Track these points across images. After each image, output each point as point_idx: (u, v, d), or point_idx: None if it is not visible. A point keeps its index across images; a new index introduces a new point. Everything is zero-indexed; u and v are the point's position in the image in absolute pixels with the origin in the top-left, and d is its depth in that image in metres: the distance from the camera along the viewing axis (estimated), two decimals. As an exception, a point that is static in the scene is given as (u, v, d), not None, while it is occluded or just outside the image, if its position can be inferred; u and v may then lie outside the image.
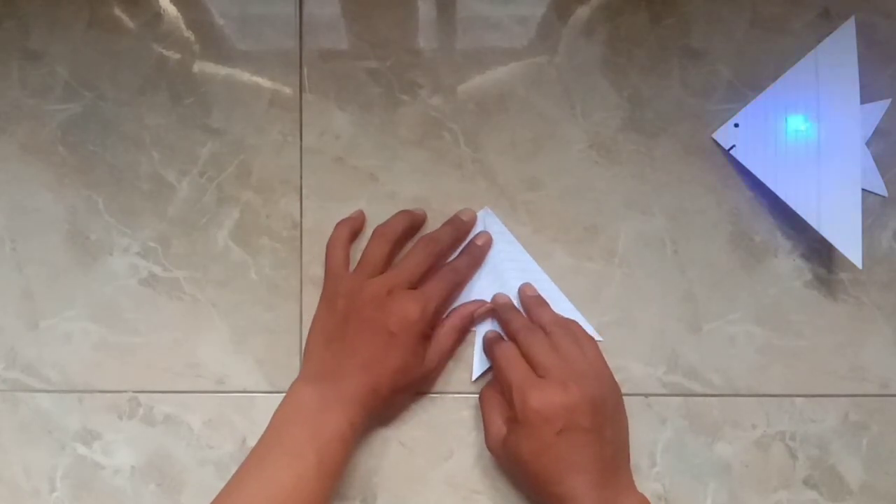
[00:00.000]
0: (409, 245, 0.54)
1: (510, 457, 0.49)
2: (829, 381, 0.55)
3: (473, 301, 0.55)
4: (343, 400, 0.49)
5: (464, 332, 0.54)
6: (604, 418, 0.48)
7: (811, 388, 0.55)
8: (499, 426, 0.50)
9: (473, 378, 0.55)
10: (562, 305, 0.55)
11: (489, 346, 0.53)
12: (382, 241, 0.53)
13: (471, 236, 0.56)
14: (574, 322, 0.53)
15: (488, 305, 0.55)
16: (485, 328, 0.55)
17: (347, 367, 0.50)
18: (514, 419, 0.49)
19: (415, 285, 0.52)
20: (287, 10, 0.57)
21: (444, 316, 0.54)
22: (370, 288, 0.51)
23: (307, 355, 0.53)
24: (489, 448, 0.51)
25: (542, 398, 0.48)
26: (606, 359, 0.52)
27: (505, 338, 0.53)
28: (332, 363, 0.51)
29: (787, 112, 0.55)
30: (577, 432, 0.47)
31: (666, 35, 0.57)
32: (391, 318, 0.50)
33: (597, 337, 0.55)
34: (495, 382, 0.53)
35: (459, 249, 0.55)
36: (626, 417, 0.51)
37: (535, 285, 0.55)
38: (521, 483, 0.52)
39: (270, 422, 0.49)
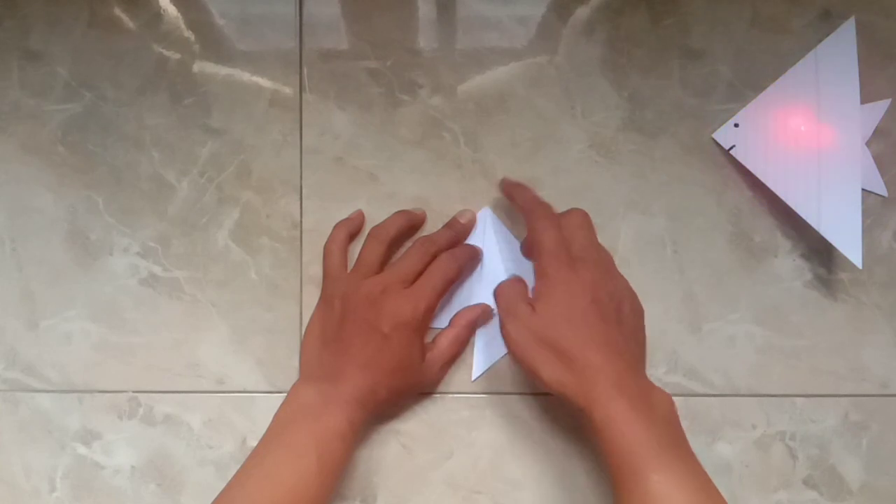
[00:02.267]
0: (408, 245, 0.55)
1: (537, 333, 0.48)
2: (829, 381, 0.55)
3: (473, 306, 0.55)
4: (342, 400, 0.49)
5: (465, 341, 0.54)
6: (619, 304, 0.49)
7: (811, 388, 0.55)
8: (524, 307, 0.49)
9: (473, 378, 0.55)
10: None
11: (535, 220, 0.51)
12: (376, 242, 0.53)
13: (471, 237, 0.56)
14: None
15: (488, 309, 0.55)
16: (485, 331, 0.55)
17: (346, 368, 0.50)
18: (544, 291, 0.49)
19: (410, 285, 0.52)
20: (287, 10, 0.57)
21: (448, 325, 0.54)
22: (365, 288, 0.51)
23: (305, 356, 0.53)
24: (509, 336, 0.49)
25: (576, 270, 0.49)
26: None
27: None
28: (331, 364, 0.51)
29: (787, 112, 0.55)
30: (601, 306, 0.48)
31: (666, 35, 0.57)
32: (383, 319, 0.50)
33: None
34: (515, 281, 0.52)
35: None
36: (643, 327, 0.52)
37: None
38: (544, 369, 0.48)
39: (272, 422, 0.49)
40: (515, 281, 0.52)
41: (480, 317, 0.54)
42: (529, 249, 0.53)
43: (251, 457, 0.48)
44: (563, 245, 0.50)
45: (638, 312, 0.51)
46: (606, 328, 0.48)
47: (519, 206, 0.53)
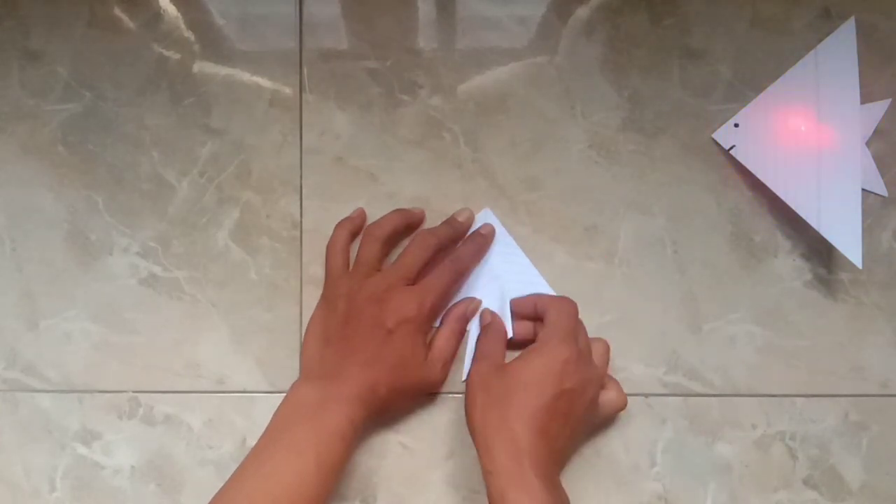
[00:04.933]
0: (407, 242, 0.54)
1: (494, 386, 0.49)
2: (829, 381, 0.55)
3: (463, 300, 0.55)
4: (343, 398, 0.49)
5: (461, 334, 0.54)
6: (582, 394, 0.49)
7: (811, 388, 0.55)
8: (498, 355, 0.52)
9: (464, 378, 0.54)
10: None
11: (559, 300, 0.53)
12: (372, 241, 0.53)
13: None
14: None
15: (478, 301, 0.55)
16: (478, 332, 0.55)
17: (347, 365, 0.50)
18: (531, 354, 0.50)
19: (413, 281, 0.52)
20: (287, 10, 0.57)
21: (438, 324, 0.54)
22: (368, 287, 0.51)
23: (306, 355, 0.53)
24: (471, 374, 0.51)
25: (570, 355, 0.49)
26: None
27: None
28: (333, 362, 0.51)
29: (787, 112, 0.55)
30: (568, 393, 0.48)
31: (666, 35, 0.57)
32: (388, 316, 0.50)
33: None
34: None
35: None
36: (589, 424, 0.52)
37: (533, 288, 0.55)
38: (475, 412, 0.49)
39: (271, 420, 0.49)
40: (499, 327, 0.53)
41: (468, 308, 0.54)
42: (527, 310, 0.54)
43: (250, 456, 0.48)
44: (575, 332, 0.51)
45: (594, 414, 0.51)
46: (556, 416, 0.48)
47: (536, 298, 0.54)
